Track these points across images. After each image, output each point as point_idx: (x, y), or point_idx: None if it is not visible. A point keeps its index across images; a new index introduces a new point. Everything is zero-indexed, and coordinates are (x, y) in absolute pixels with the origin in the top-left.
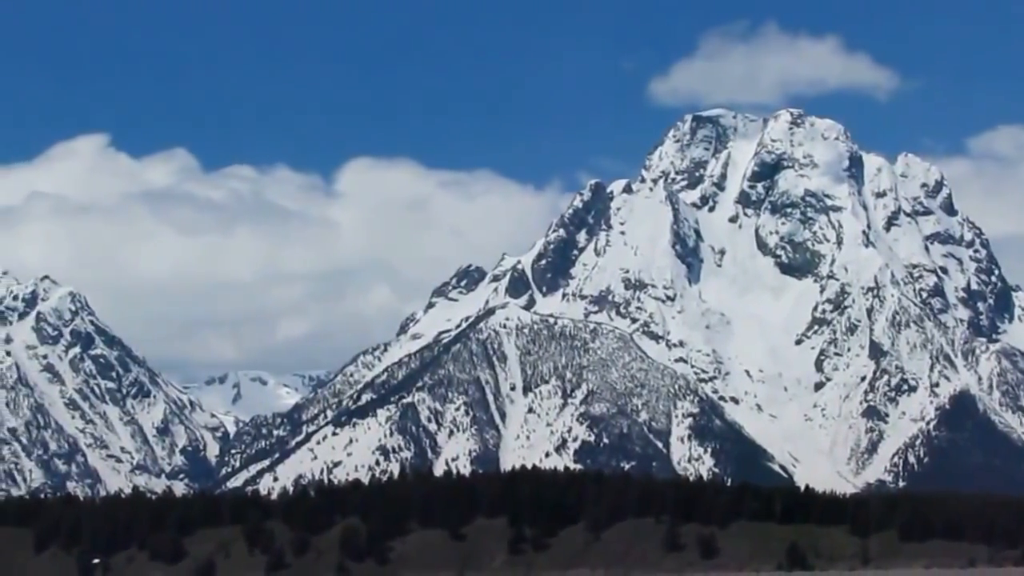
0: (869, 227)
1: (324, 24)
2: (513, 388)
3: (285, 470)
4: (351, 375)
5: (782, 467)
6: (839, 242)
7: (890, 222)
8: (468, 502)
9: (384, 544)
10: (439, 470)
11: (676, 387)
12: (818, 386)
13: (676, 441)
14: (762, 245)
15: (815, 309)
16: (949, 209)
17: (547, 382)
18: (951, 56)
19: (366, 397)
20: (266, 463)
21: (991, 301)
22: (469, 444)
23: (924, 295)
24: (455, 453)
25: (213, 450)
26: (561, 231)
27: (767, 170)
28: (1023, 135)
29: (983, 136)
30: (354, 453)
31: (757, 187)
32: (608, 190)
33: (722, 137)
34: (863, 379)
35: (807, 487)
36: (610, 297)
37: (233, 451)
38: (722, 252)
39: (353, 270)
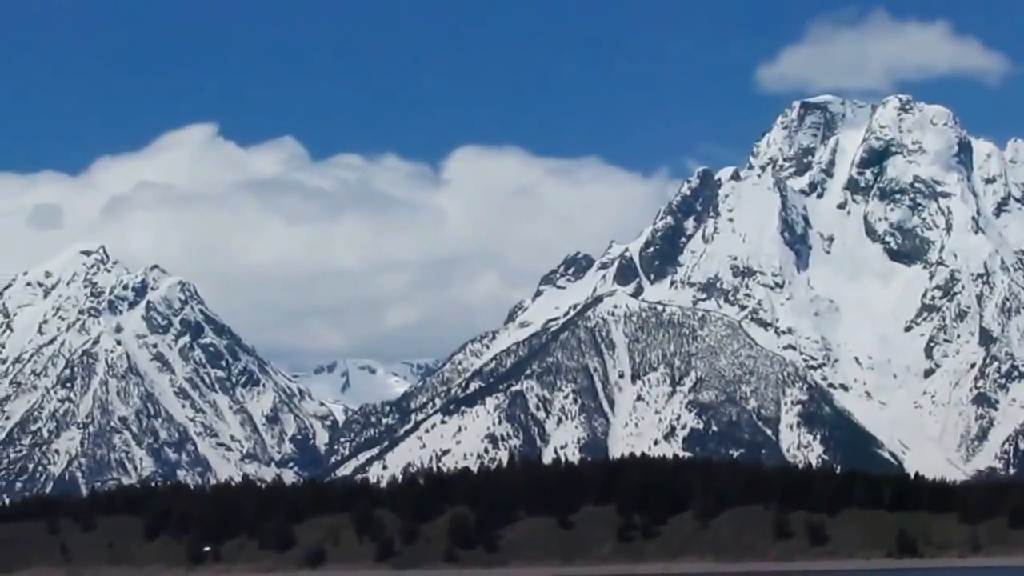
0: (978, 213)
1: (432, 13)
2: (621, 376)
3: (394, 458)
4: (459, 363)
5: (892, 454)
6: (948, 228)
7: (1000, 208)
8: (576, 490)
9: (492, 532)
10: (547, 458)
11: (785, 374)
12: (928, 373)
13: (785, 428)
14: (871, 231)
15: (924, 296)
16: None
17: (655, 369)
18: None
19: (474, 385)
20: (375, 451)
21: None
22: (577, 432)
23: None
24: (563, 441)
25: (322, 438)
26: (669, 218)
27: (876, 156)
28: None
29: None
30: (463, 441)
31: (866, 173)
32: (716, 177)
33: (830, 123)
34: (973, 366)
35: (917, 474)
36: (718, 284)
37: (342, 439)
38: (831, 239)
39: (461, 258)
